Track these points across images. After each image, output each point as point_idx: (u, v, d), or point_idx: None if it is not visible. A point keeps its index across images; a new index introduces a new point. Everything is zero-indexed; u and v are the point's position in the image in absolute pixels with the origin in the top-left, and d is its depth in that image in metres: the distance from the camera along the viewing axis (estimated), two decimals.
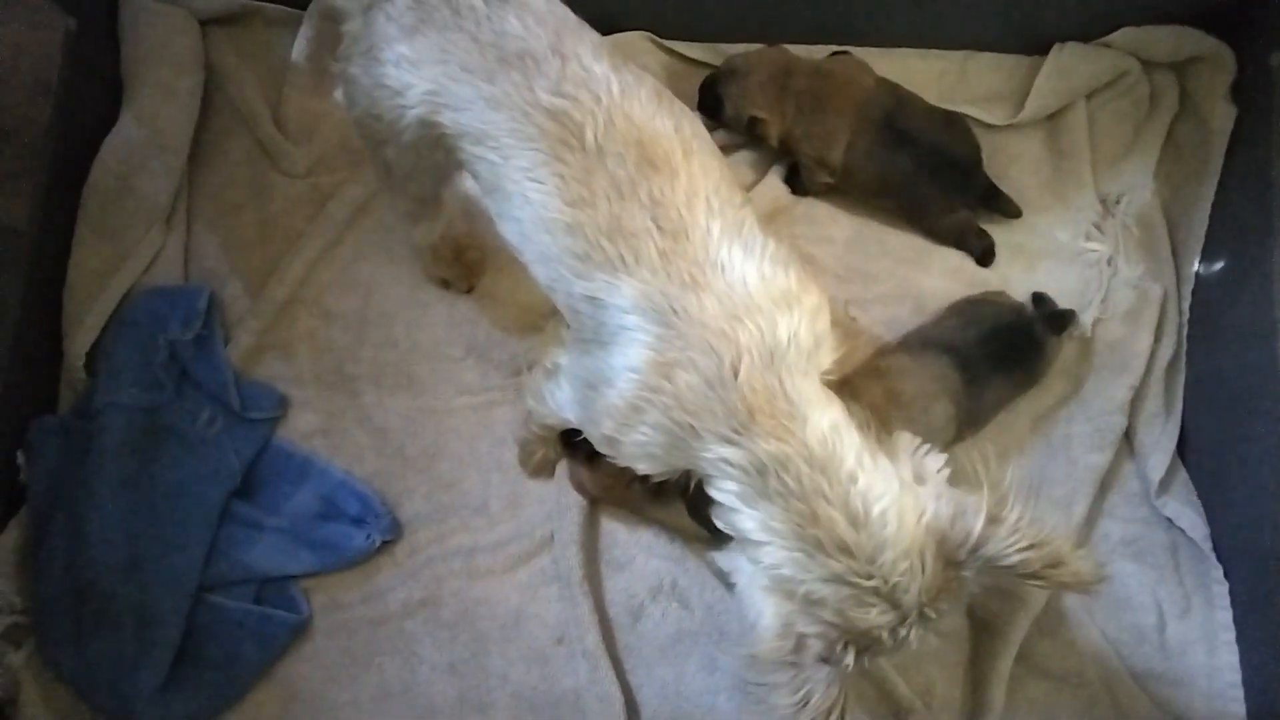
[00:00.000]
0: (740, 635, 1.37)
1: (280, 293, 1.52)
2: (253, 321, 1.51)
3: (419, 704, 1.38)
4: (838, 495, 0.94)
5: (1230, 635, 1.39)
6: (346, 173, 1.57)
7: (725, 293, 0.97)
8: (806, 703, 0.94)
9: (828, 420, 0.97)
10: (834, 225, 1.58)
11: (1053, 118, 1.60)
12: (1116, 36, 1.56)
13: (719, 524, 1.02)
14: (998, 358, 1.37)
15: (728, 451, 0.96)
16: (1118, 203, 1.56)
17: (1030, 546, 0.94)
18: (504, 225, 1.09)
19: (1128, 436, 1.48)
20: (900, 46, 1.61)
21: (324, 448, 1.48)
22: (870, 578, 0.92)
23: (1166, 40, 1.56)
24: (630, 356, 0.99)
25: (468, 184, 1.39)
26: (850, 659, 0.94)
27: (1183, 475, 1.46)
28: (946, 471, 1.01)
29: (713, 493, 1.01)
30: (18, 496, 1.40)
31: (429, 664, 1.40)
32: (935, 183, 1.49)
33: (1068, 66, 1.57)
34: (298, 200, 1.57)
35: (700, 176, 1.01)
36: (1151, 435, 1.46)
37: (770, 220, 1.54)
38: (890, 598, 0.93)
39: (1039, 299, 1.46)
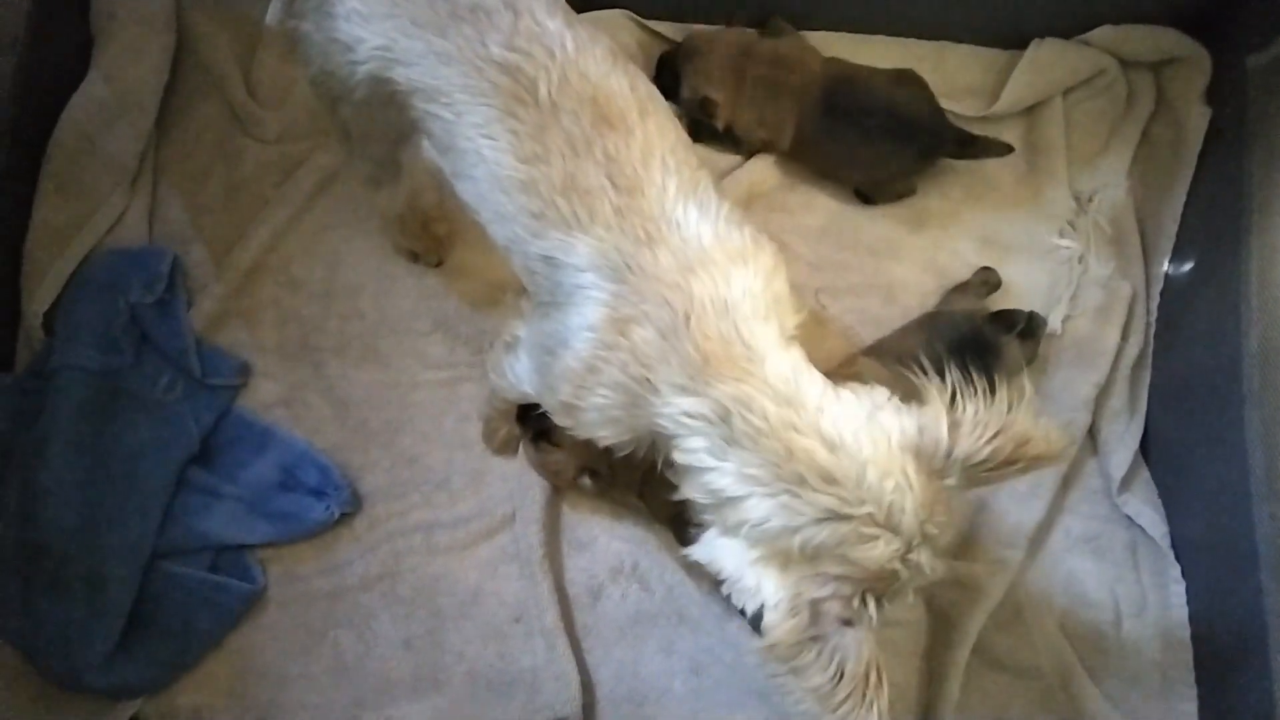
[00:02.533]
0: (700, 621, 1.38)
1: (245, 259, 1.50)
2: (217, 287, 1.48)
3: (373, 679, 1.37)
4: (809, 424, 0.90)
5: (1185, 634, 1.40)
6: (317, 140, 1.55)
7: (679, 247, 0.96)
8: (841, 673, 0.88)
9: (788, 361, 0.95)
10: (808, 214, 1.58)
11: (1029, 113, 1.60)
12: (1095, 34, 1.56)
13: (694, 496, 0.98)
14: (962, 371, 1.37)
15: (686, 402, 0.94)
16: (1091, 200, 1.56)
17: (996, 434, 0.92)
18: (460, 185, 1.07)
19: (1091, 434, 1.48)
20: (879, 34, 1.61)
21: (285, 418, 1.47)
22: (863, 503, 0.88)
23: (1145, 40, 1.56)
24: (586, 315, 0.98)
25: (432, 153, 1.37)
26: (873, 610, 0.89)
27: (1145, 474, 1.47)
28: (896, 397, 0.97)
29: (679, 458, 0.98)
30: None
31: (385, 639, 1.39)
32: (896, 141, 1.47)
33: (1045, 62, 1.57)
34: (267, 166, 1.55)
35: (656, 136, 1.00)
36: (1115, 433, 1.47)
37: (745, 207, 1.54)
38: (889, 523, 0.88)
39: (1005, 318, 1.43)
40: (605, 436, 1.03)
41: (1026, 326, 1.43)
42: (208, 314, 1.48)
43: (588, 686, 1.36)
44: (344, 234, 1.54)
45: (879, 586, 0.90)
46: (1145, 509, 1.44)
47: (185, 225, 1.53)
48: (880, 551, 0.88)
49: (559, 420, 1.08)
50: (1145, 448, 1.47)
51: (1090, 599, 1.43)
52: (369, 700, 1.36)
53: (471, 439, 1.46)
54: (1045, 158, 1.57)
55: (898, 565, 0.89)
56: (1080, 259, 1.53)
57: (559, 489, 1.42)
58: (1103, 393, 1.48)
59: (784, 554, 0.91)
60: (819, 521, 0.89)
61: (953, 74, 1.60)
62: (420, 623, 1.39)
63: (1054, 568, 1.43)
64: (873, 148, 1.48)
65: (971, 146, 1.50)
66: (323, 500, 1.40)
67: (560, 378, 1.02)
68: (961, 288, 1.48)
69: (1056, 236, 1.55)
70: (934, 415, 0.94)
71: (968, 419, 0.93)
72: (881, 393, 0.97)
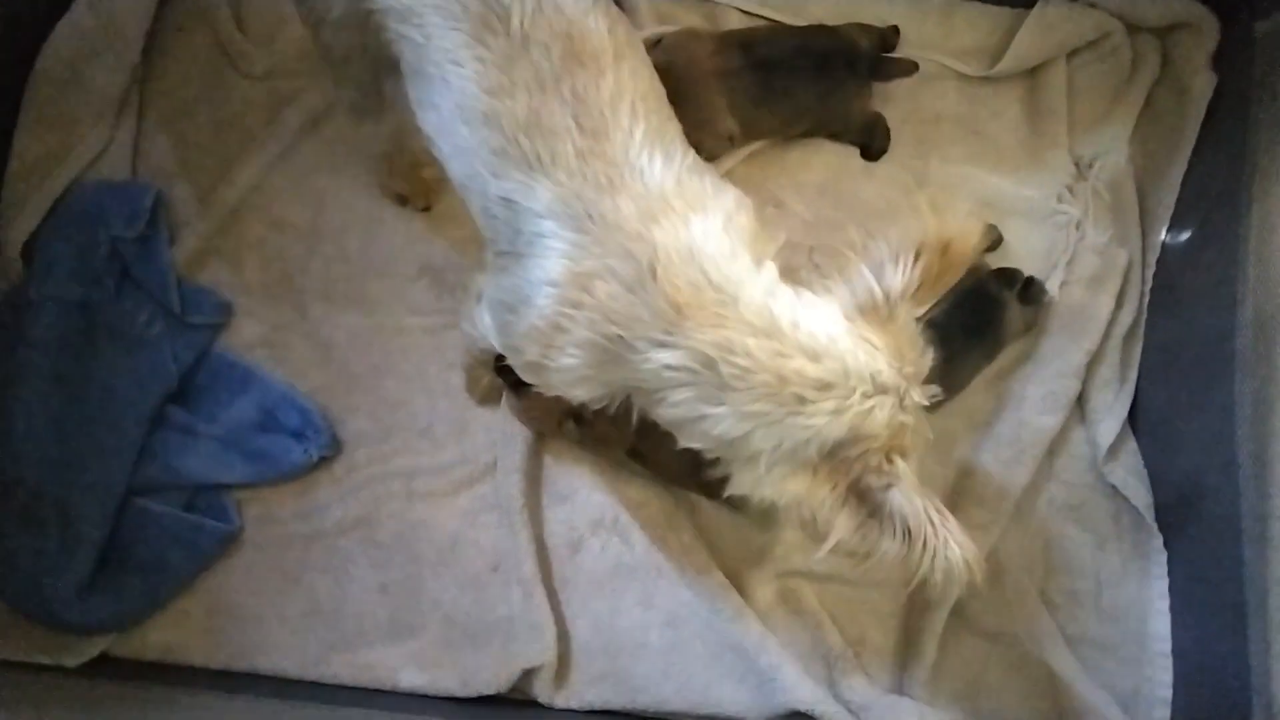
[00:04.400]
0: (678, 575, 1.37)
1: (230, 197, 1.47)
2: (200, 224, 1.46)
3: (348, 623, 1.37)
4: (792, 346, 0.91)
5: (1164, 604, 1.40)
6: (306, 80, 1.51)
7: (641, 195, 0.94)
8: (908, 528, 0.91)
9: (760, 288, 0.94)
10: (806, 171, 1.55)
11: (1033, 75, 1.57)
12: None
13: (695, 445, 0.98)
14: (968, 329, 1.36)
15: (665, 355, 0.93)
16: (1091, 166, 1.53)
17: (918, 254, 0.93)
18: (423, 115, 1.04)
19: (1080, 401, 1.47)
20: None
21: (267, 359, 1.45)
22: (854, 389, 0.90)
23: (1152, 4, 1.52)
24: (547, 269, 0.96)
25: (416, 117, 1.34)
26: (903, 463, 0.93)
27: (1131, 444, 1.45)
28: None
29: (668, 411, 0.97)
30: None
31: (361, 583, 1.38)
32: (822, 82, 1.46)
33: (1051, 22, 1.53)
34: (254, 103, 1.52)
35: (629, 80, 0.97)
36: (1104, 401, 1.45)
37: (743, 164, 1.51)
38: (878, 388, 0.91)
39: (1008, 275, 1.44)
40: (578, 395, 1.02)
41: (1027, 291, 1.41)
42: (190, 251, 1.45)
43: (563, 637, 1.36)
44: (331, 175, 1.51)
45: (896, 442, 0.93)
46: (1130, 479, 1.42)
47: (170, 160, 1.50)
48: (882, 414, 0.91)
49: (526, 378, 1.06)
50: (1133, 417, 1.46)
51: (1071, 567, 1.42)
52: (343, 643, 1.35)
53: (455, 387, 1.45)
54: (1047, 121, 1.54)
55: (901, 416, 0.93)
56: (1078, 225, 1.51)
57: (542, 438, 1.41)
58: (1094, 360, 1.46)
59: (807, 463, 0.93)
60: (826, 425, 0.90)
61: (959, 31, 1.57)
62: (398, 568, 1.39)
63: (1036, 534, 1.42)
64: (810, 90, 1.47)
65: (888, 68, 1.49)
66: (302, 443, 1.38)
67: (525, 337, 1.00)
68: None
69: (1055, 201, 1.53)
70: (858, 271, 0.95)
71: (887, 256, 0.95)
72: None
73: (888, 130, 1.53)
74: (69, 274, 1.37)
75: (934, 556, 0.91)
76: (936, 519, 0.92)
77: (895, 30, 1.53)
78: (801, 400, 0.90)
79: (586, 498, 1.42)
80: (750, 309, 0.92)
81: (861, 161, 1.54)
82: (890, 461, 0.93)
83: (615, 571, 1.40)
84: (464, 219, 1.47)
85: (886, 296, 0.94)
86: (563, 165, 0.94)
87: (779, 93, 1.46)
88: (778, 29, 1.52)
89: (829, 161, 1.55)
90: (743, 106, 1.45)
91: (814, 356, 0.90)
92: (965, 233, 0.96)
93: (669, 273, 0.92)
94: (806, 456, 0.92)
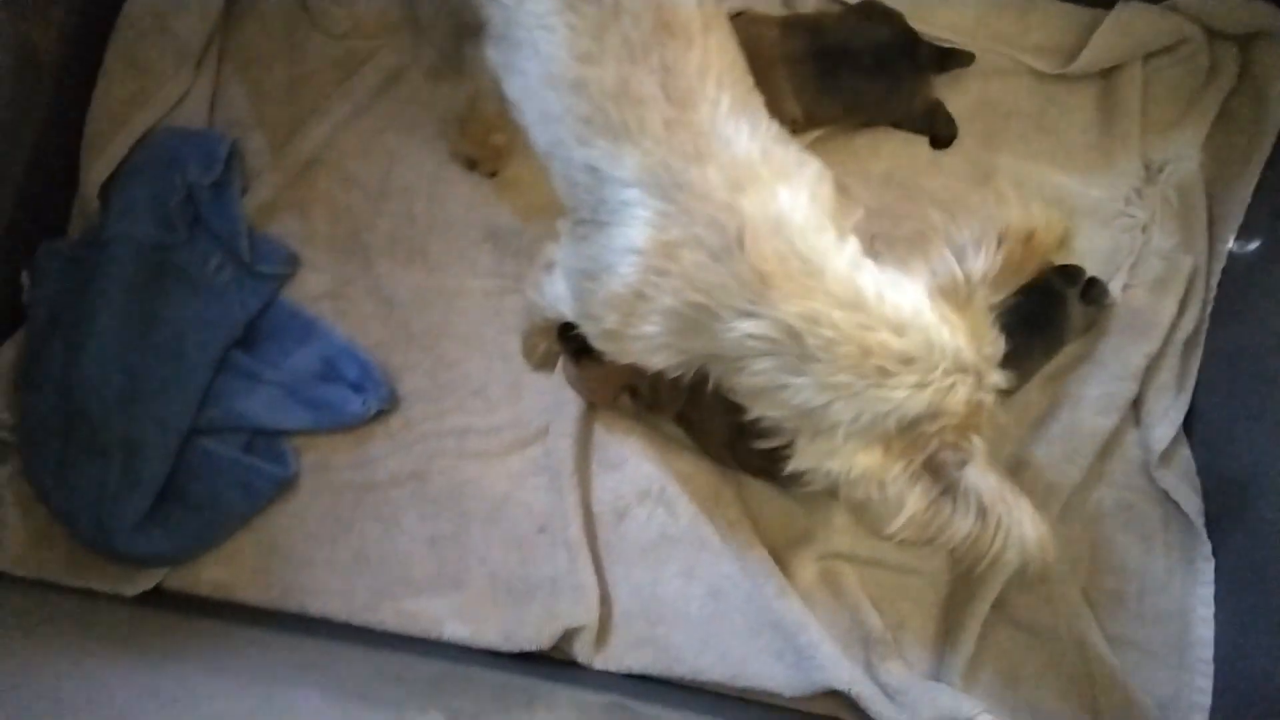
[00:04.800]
0: (722, 549, 1.38)
1: (303, 151, 1.50)
2: (272, 176, 1.49)
3: (395, 572, 1.39)
4: (876, 319, 0.91)
5: (1208, 612, 1.39)
6: (384, 40, 1.54)
7: (729, 165, 0.95)
8: (983, 509, 0.92)
9: (844, 261, 0.94)
10: (873, 159, 1.55)
11: (1107, 76, 1.56)
12: (1183, 0, 1.52)
13: (769, 414, 0.98)
14: (1031, 323, 1.35)
15: (749, 325, 0.93)
16: (1161, 170, 1.52)
17: (1000, 240, 0.94)
18: (509, 80, 1.05)
19: (1135, 405, 1.46)
20: None
21: (330, 312, 1.48)
22: (936, 365, 0.91)
23: (1234, 11, 1.51)
24: (632, 237, 0.96)
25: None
26: (977, 442, 0.93)
27: (1185, 450, 1.44)
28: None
29: (746, 380, 0.97)
30: (18, 318, 1.40)
31: (409, 535, 1.41)
32: (884, 71, 1.47)
33: (1129, 25, 1.52)
34: (332, 61, 1.54)
35: (716, 53, 0.98)
36: (1160, 406, 1.44)
37: (809, 149, 1.51)
38: (958, 366, 0.91)
39: (1070, 273, 1.43)
40: (655, 363, 1.02)
41: (1090, 291, 1.41)
42: (261, 202, 1.48)
43: (605, 600, 1.37)
44: (402, 135, 1.53)
45: (973, 421, 0.94)
46: (1182, 485, 1.41)
47: (246, 112, 1.53)
48: (962, 391, 0.92)
49: (601, 347, 1.07)
50: (1187, 423, 1.45)
51: (1116, 568, 1.42)
52: (389, 590, 1.38)
53: (512, 351, 1.47)
54: (1119, 123, 1.53)
55: (980, 395, 0.93)
56: (1144, 228, 1.50)
57: (595, 407, 1.42)
58: (1153, 365, 1.45)
59: (882, 436, 0.93)
60: (907, 399, 0.91)
61: (1035, 28, 1.56)
62: (446, 523, 1.41)
63: (1084, 534, 1.42)
64: (871, 80, 1.47)
65: (947, 60, 1.50)
66: (360, 394, 1.41)
67: (605, 305, 1.01)
68: None
69: (1122, 203, 1.52)
70: (940, 253, 0.96)
71: (969, 240, 0.96)
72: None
73: (949, 117, 1.53)
74: (145, 216, 1.40)
75: (1007, 535, 0.91)
76: (1010, 498, 0.92)
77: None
78: (884, 373, 0.90)
79: (635, 467, 1.43)
80: (836, 281, 0.92)
81: (929, 153, 1.54)
82: (966, 439, 0.93)
83: (659, 541, 1.41)
84: (529, 187, 1.52)
85: (967, 279, 0.94)
86: (650, 134, 0.95)
87: (842, 81, 1.47)
88: (841, 15, 1.52)
89: (896, 151, 1.54)
90: (806, 92, 1.46)
91: (898, 330, 0.91)
92: (1050, 224, 0.97)
93: (756, 242, 0.92)
94: (884, 430, 0.92)
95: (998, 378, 0.95)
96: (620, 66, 0.95)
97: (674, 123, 0.95)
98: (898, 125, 1.54)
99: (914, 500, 0.93)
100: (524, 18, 0.99)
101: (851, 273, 0.93)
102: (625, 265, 0.98)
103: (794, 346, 0.92)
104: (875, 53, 1.47)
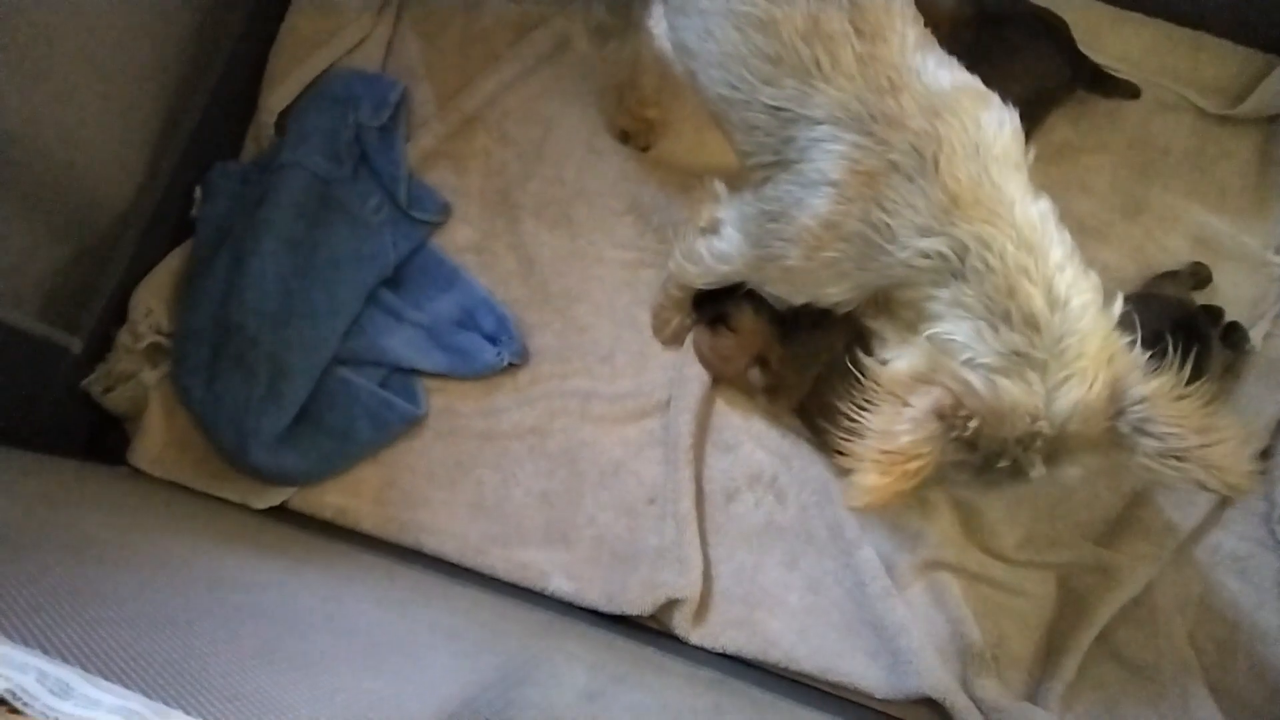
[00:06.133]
0: (828, 544, 1.39)
1: (467, 106, 1.55)
2: (436, 126, 1.54)
3: (508, 521, 1.42)
4: (1042, 275, 0.88)
5: None
6: (558, 7, 1.58)
7: (923, 93, 0.95)
8: (904, 443, 0.88)
9: (1038, 209, 0.93)
10: None
11: (1272, 123, 1.54)
12: None
13: (890, 337, 0.98)
14: (1166, 356, 1.34)
15: (925, 243, 0.91)
16: None
17: (1191, 429, 0.89)
18: (682, 22, 1.06)
19: (1264, 455, 1.44)
20: (1136, 11, 1.56)
21: (474, 264, 1.52)
22: (1046, 364, 0.88)
23: None
24: (826, 170, 0.96)
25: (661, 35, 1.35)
26: (962, 428, 0.88)
27: None
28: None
29: (902, 294, 0.96)
30: (187, 230, 1.47)
31: (524, 488, 1.44)
32: (1045, 45, 1.45)
33: None
34: (506, 23, 1.59)
35: None
36: None
37: None
38: (1049, 380, 0.88)
39: (1213, 313, 1.42)
40: (830, 294, 1.03)
41: (1231, 336, 1.39)
42: (423, 150, 1.53)
43: (706, 578, 1.39)
44: (563, 102, 1.57)
45: (988, 427, 0.88)
46: None
47: (418, 63, 1.58)
48: (1020, 396, 0.87)
49: (775, 289, 1.08)
50: None
51: (1226, 617, 1.40)
52: (501, 538, 1.41)
53: (642, 323, 1.50)
54: (1277, 171, 1.52)
55: (1023, 420, 0.88)
56: None
57: (720, 382, 1.44)
58: None
59: (945, 350, 0.92)
60: (999, 354, 0.88)
61: (1204, 65, 1.55)
62: (560, 480, 1.44)
63: (1196, 578, 1.40)
64: (1024, 57, 1.44)
65: (1104, 83, 1.48)
66: (495, 345, 1.45)
67: (792, 242, 1.01)
68: (1170, 275, 1.44)
69: (1272, 253, 1.50)
70: (1147, 368, 0.92)
71: (1176, 401, 0.91)
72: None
73: (1098, 67, 1.49)
74: (318, 147, 1.45)
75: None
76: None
77: None
78: (1008, 318, 0.88)
79: (750, 453, 1.45)
80: (1024, 219, 0.91)
81: (1081, 175, 1.53)
82: (966, 418, 0.88)
83: (765, 528, 1.43)
84: (678, 166, 1.54)
85: (1139, 401, 0.91)
86: (843, 70, 0.95)
87: (1007, 48, 1.44)
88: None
89: (1046, 169, 1.53)
90: (969, 58, 1.45)
91: (1052, 303, 0.88)
92: (1237, 467, 0.91)
93: (951, 164, 0.91)
94: (953, 353, 0.91)
95: (1041, 447, 0.90)
96: (809, 4, 0.96)
97: (866, 57, 0.95)
98: (1052, 99, 1.50)
99: (901, 367, 0.93)
100: None
101: (1044, 224, 0.92)
102: (818, 198, 0.97)
103: (954, 263, 0.91)
104: (1042, 25, 1.45)
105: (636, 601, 1.36)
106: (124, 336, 1.40)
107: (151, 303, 1.42)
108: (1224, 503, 1.42)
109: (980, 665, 1.34)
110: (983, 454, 0.91)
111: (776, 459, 1.45)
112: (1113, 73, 1.50)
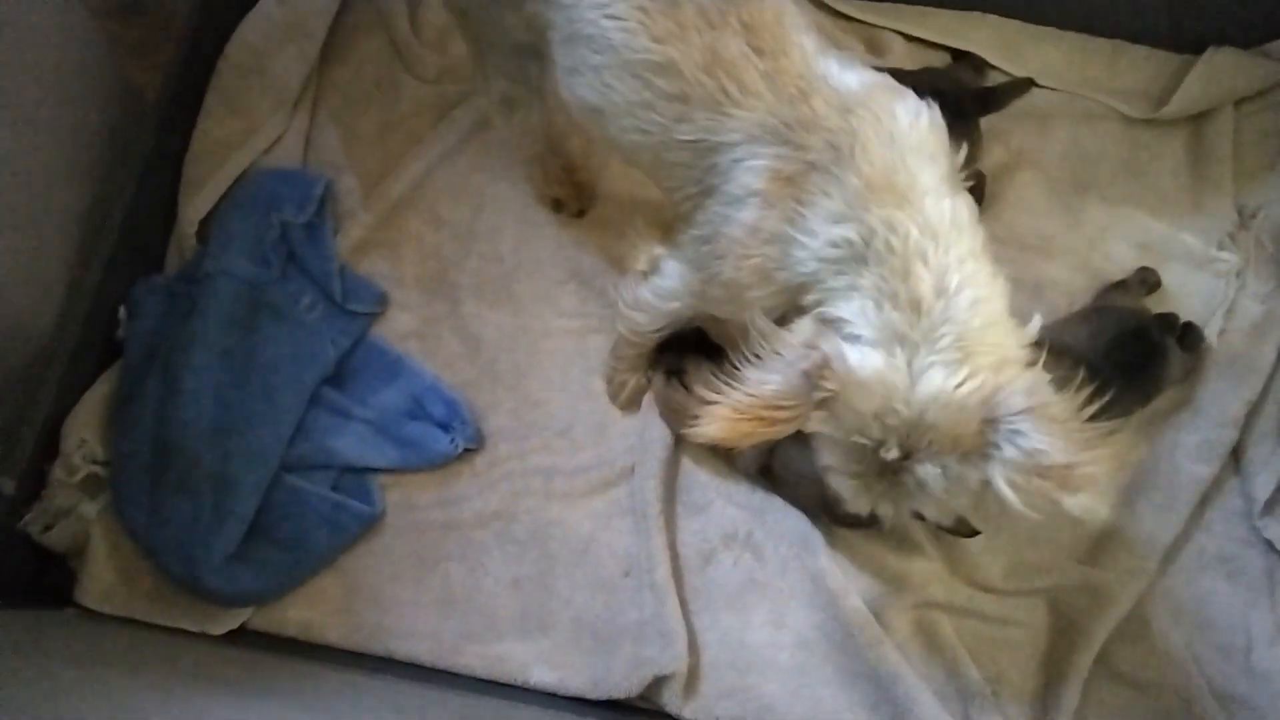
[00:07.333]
0: (812, 597, 1.36)
1: (394, 192, 1.52)
2: (364, 216, 1.51)
3: (480, 614, 1.37)
4: (938, 263, 0.88)
5: None
6: (475, 85, 1.56)
7: (833, 94, 0.95)
8: (767, 392, 0.88)
9: (952, 203, 0.91)
10: None
11: (1198, 121, 1.55)
12: (1275, 46, 1.51)
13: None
14: (1126, 370, 1.33)
15: (836, 230, 0.91)
16: (1254, 216, 1.50)
17: (1072, 447, 0.83)
18: (578, 81, 1.04)
19: (1236, 452, 1.43)
20: (1050, 25, 1.57)
21: (418, 350, 1.48)
22: (918, 347, 0.87)
23: None
24: (749, 183, 0.96)
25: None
26: (821, 391, 0.87)
27: None
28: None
29: (809, 300, 0.95)
30: (114, 352, 1.42)
31: (494, 576, 1.39)
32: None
33: (1220, 70, 1.52)
34: (424, 104, 1.57)
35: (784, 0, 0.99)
36: (1261, 454, 1.40)
37: None
38: (916, 363, 0.87)
39: (1168, 321, 1.41)
40: (752, 296, 1.00)
41: (1186, 337, 1.38)
42: (353, 241, 1.50)
43: (693, 648, 1.34)
44: (491, 178, 1.55)
45: (851, 396, 0.87)
46: None
47: (339, 153, 1.56)
48: (884, 368, 0.87)
49: (721, 312, 1.06)
50: None
51: (1221, 622, 1.37)
52: (475, 634, 1.36)
53: (596, 391, 1.46)
54: (1210, 168, 1.52)
55: (882, 394, 0.87)
56: (1238, 274, 1.48)
57: (681, 442, 1.41)
58: (1253, 412, 1.41)
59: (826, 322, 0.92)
60: (876, 330, 0.89)
61: (1123, 72, 1.57)
62: (531, 564, 1.39)
63: (1185, 585, 1.38)
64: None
65: (997, 100, 1.44)
66: (448, 433, 1.40)
67: (724, 256, 1.01)
68: (1120, 285, 1.44)
69: (1215, 249, 1.50)
70: (1044, 385, 0.87)
71: (1062, 421, 0.85)
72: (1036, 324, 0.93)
73: (983, 190, 1.50)
74: (242, 251, 1.42)
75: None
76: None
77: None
78: (893, 298, 0.88)
79: (721, 510, 1.41)
80: (935, 209, 0.90)
81: (1018, 195, 1.53)
82: (826, 380, 0.88)
83: (747, 587, 1.38)
84: (615, 229, 1.52)
85: (1016, 412, 0.86)
86: (751, 91, 0.95)
87: None
88: (900, 73, 1.50)
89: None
90: None
91: (940, 291, 0.88)
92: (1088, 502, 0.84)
93: (867, 152, 0.91)
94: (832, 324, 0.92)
95: (911, 467, 0.88)
96: (703, 36, 0.96)
97: (770, 73, 0.95)
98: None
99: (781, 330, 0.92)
100: (586, 13, 0.99)
101: (953, 213, 0.91)
102: (744, 209, 0.98)
103: (859, 249, 0.90)
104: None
105: (623, 683, 1.31)
106: (58, 471, 1.34)
107: (84, 432, 1.36)
108: (1201, 505, 1.40)
109: (982, 703, 1.31)
110: (844, 427, 0.90)
111: (749, 514, 1.41)
112: (995, 84, 1.48)
